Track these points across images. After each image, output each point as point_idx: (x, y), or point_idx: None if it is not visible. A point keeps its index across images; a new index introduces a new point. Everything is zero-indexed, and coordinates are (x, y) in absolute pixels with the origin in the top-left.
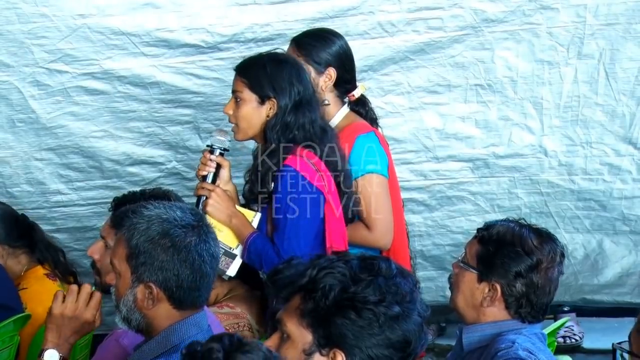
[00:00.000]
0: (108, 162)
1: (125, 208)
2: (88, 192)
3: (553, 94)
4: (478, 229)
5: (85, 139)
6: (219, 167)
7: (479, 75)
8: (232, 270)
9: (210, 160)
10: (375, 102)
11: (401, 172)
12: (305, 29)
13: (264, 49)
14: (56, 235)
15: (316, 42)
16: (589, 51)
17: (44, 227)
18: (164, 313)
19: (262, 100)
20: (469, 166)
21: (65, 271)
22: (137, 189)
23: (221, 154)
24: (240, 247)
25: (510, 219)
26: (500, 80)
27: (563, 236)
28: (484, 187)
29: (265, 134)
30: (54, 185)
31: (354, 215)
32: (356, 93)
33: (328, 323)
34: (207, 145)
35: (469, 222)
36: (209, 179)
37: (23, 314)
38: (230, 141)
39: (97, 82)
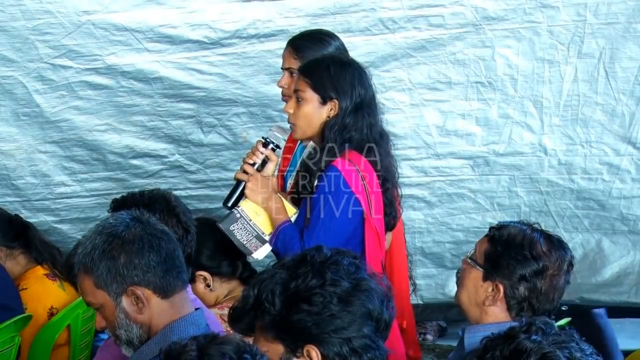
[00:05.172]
0: (111, 154)
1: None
2: (92, 184)
3: (553, 92)
4: (490, 228)
5: (89, 133)
6: (265, 160)
7: (480, 73)
8: (259, 254)
9: (261, 152)
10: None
11: (402, 168)
12: (307, 25)
13: (266, 45)
14: (60, 226)
15: (312, 44)
16: (589, 50)
17: (48, 218)
18: (156, 310)
19: (324, 101)
20: (469, 163)
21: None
22: (140, 181)
23: (272, 149)
24: None
25: (525, 221)
26: (501, 78)
27: (562, 235)
28: (484, 185)
29: (322, 134)
30: (58, 177)
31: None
32: None
33: (287, 325)
34: (262, 137)
35: (469, 219)
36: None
37: (24, 315)
38: (284, 140)
39: (100, 77)
